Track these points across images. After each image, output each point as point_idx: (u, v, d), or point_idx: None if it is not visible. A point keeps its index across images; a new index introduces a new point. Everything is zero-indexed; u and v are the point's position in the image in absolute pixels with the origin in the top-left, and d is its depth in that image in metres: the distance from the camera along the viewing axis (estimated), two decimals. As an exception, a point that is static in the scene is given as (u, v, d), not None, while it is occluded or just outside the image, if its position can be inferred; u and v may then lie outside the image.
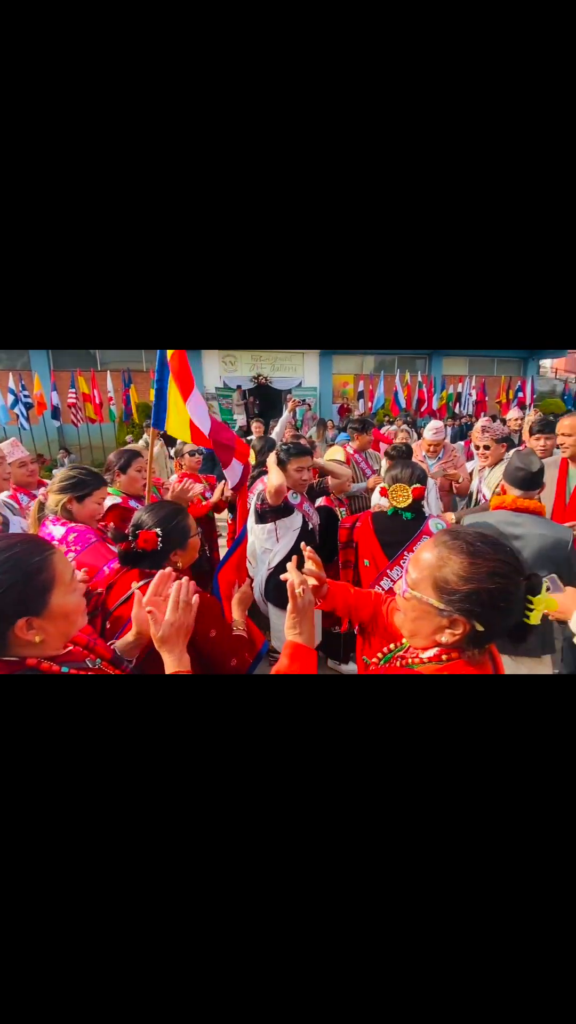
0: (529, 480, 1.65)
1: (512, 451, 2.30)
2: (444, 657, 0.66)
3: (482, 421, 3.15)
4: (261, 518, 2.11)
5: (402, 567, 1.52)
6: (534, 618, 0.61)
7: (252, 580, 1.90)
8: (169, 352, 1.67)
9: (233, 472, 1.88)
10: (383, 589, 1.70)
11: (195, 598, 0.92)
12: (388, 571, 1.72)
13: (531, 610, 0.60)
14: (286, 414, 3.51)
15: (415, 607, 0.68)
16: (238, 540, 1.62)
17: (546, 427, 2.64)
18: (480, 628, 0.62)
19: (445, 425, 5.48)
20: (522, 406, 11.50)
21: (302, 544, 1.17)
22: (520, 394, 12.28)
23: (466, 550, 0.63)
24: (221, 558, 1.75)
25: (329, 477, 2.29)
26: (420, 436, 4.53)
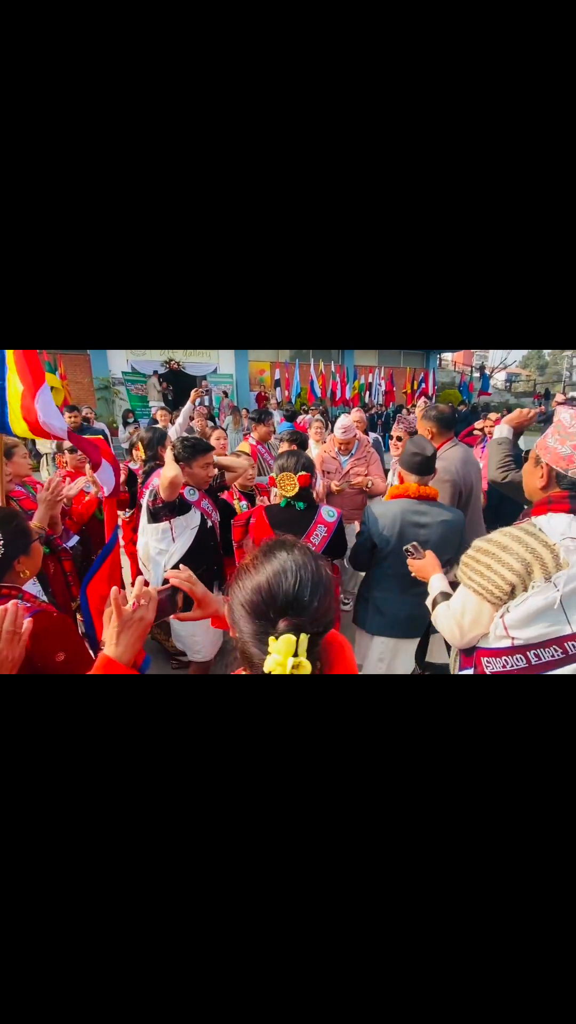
0: (425, 464, 1.69)
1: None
2: None
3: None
4: (154, 517, 1.96)
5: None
6: (268, 664, 0.52)
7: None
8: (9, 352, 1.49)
9: (105, 475, 1.71)
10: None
11: (27, 623, 0.80)
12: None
13: (268, 653, 0.52)
14: (188, 405, 3.28)
15: None
16: (107, 548, 1.49)
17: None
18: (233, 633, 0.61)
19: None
20: (426, 396, 12.38)
21: (168, 571, 1.09)
22: (423, 384, 13.20)
23: (264, 549, 0.62)
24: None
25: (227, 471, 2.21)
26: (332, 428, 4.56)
